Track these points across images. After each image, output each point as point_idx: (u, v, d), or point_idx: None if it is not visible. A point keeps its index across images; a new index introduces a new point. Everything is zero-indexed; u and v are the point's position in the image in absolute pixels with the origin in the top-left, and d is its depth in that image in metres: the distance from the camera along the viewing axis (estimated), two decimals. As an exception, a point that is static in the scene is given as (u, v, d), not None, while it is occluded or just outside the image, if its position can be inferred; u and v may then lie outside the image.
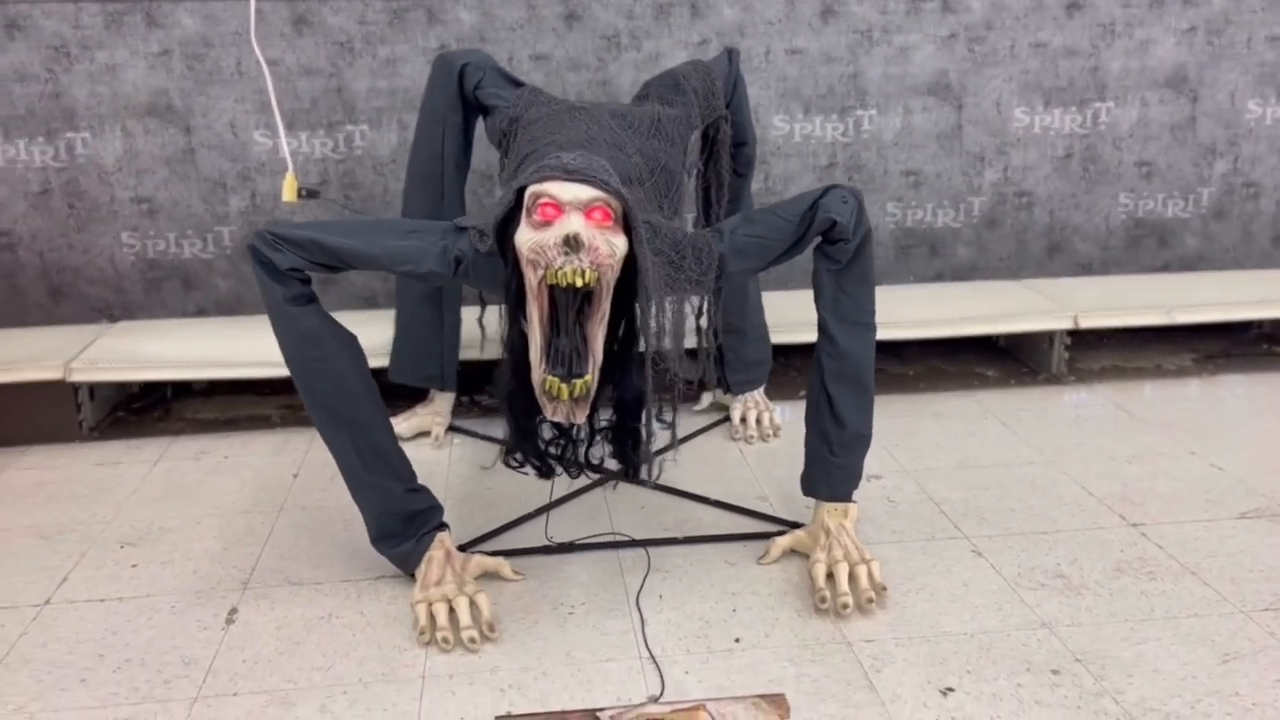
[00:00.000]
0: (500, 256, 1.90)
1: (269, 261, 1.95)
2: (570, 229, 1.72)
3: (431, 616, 1.97)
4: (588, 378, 1.81)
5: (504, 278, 1.89)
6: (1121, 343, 3.64)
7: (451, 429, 3.00)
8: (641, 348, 1.93)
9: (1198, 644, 1.92)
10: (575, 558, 2.28)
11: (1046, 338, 3.40)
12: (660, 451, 2.17)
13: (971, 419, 3.07)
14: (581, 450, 2.11)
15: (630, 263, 1.84)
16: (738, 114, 2.69)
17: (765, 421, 2.96)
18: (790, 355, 3.31)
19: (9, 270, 3.42)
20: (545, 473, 2.12)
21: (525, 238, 1.79)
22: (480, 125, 2.72)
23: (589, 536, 2.35)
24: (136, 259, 3.47)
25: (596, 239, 1.75)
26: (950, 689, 1.80)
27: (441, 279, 2.09)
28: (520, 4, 3.40)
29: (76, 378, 2.99)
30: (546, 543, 2.33)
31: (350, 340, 2.06)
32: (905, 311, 3.32)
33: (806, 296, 2.19)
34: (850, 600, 2.02)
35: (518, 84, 2.60)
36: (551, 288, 1.77)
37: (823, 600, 2.03)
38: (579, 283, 1.74)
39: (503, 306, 1.95)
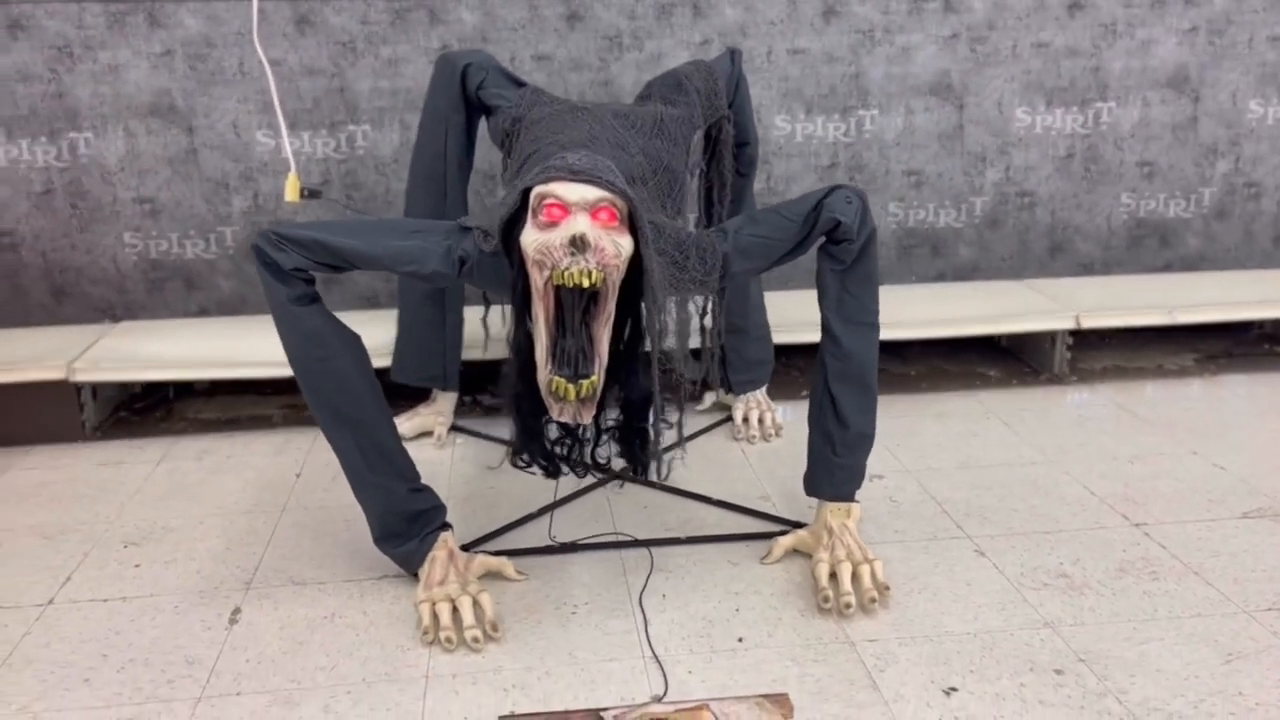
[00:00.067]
0: (506, 257, 1.90)
1: (273, 261, 1.95)
2: (576, 229, 1.72)
3: (435, 616, 1.97)
4: (594, 378, 1.81)
5: (510, 278, 1.89)
6: (1123, 343, 3.64)
7: (454, 429, 3.01)
8: (647, 348, 1.93)
9: (1201, 644, 1.92)
10: (578, 557, 2.28)
11: (1048, 338, 3.41)
12: (667, 449, 2.17)
13: (973, 419, 3.07)
14: (588, 450, 2.11)
15: (635, 263, 1.84)
16: (740, 114, 2.69)
17: (767, 421, 2.96)
18: (792, 355, 3.32)
19: (12, 270, 3.43)
20: (552, 473, 2.12)
21: (531, 238, 1.79)
22: (483, 125, 2.73)
23: (592, 536, 2.35)
24: (139, 259, 3.48)
25: (603, 239, 1.75)
26: (953, 689, 1.80)
27: (445, 279, 2.09)
28: (522, 4, 3.41)
29: (79, 378, 2.99)
30: (549, 542, 2.33)
31: (354, 340, 2.06)
32: (907, 312, 3.32)
33: (808, 296, 2.19)
34: (853, 600, 2.03)
35: (520, 84, 2.60)
36: (557, 288, 1.77)
37: (826, 600, 2.03)
38: (585, 283, 1.74)
39: (505, 307, 1.95)
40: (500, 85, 2.59)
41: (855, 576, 2.06)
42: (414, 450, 2.20)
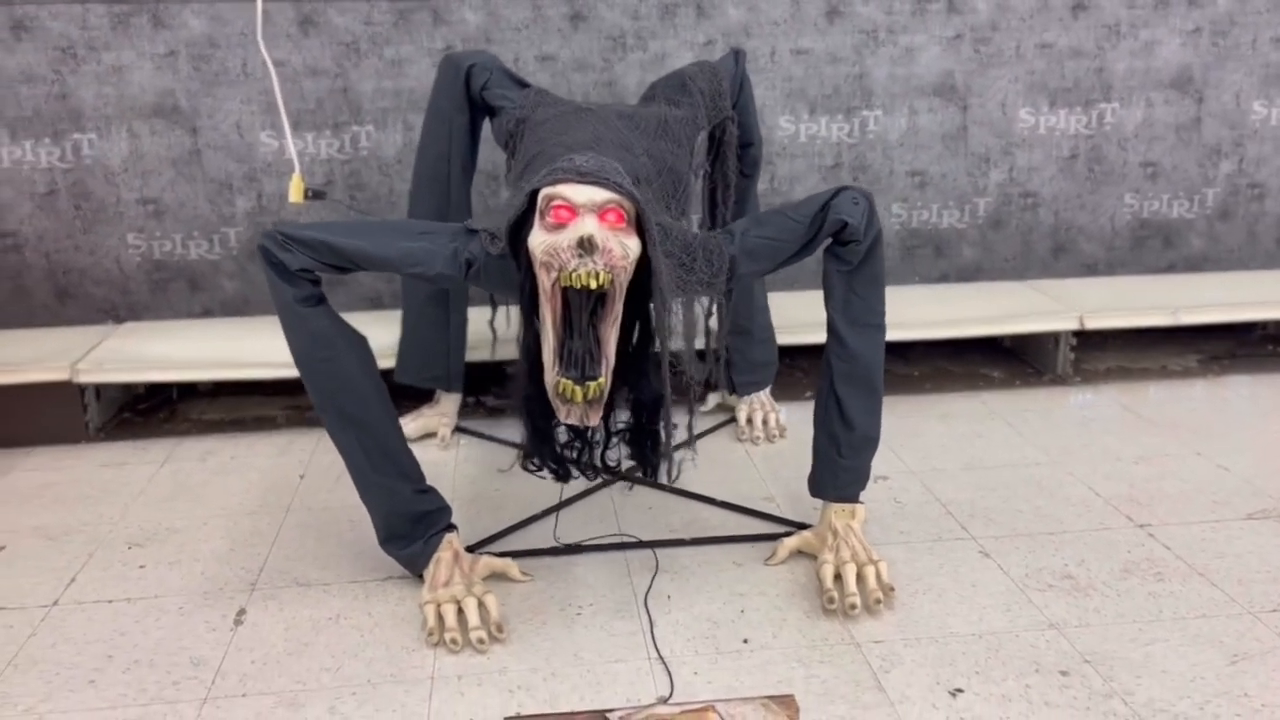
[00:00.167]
0: (513, 259, 1.90)
1: (279, 262, 1.95)
2: (584, 231, 1.72)
3: (440, 617, 1.97)
4: (601, 380, 1.81)
5: (517, 280, 1.89)
6: (1127, 343, 3.63)
7: (458, 430, 3.01)
8: (655, 349, 1.93)
9: (1206, 645, 1.92)
10: (583, 559, 2.28)
11: (1052, 338, 3.41)
12: (677, 448, 2.17)
13: (977, 420, 3.07)
14: (598, 453, 2.11)
15: (642, 265, 1.84)
16: (744, 115, 2.69)
17: (771, 422, 2.96)
18: (796, 356, 3.32)
19: (15, 271, 3.43)
20: (563, 476, 2.12)
21: (539, 240, 1.79)
22: (486, 126, 2.73)
23: (597, 538, 2.35)
24: (142, 260, 3.48)
25: (610, 241, 1.75)
26: (959, 690, 1.80)
27: (452, 281, 2.08)
28: (526, 5, 3.41)
29: (83, 379, 2.99)
30: (554, 544, 2.33)
31: (360, 341, 2.06)
32: (911, 312, 3.32)
33: (812, 297, 2.19)
34: (858, 601, 2.03)
35: (524, 85, 2.60)
36: (565, 290, 1.77)
37: (831, 601, 2.03)
38: (593, 285, 1.74)
39: (511, 308, 1.95)
40: (504, 86, 2.59)
41: (860, 578, 2.06)
42: (418, 451, 2.19)
